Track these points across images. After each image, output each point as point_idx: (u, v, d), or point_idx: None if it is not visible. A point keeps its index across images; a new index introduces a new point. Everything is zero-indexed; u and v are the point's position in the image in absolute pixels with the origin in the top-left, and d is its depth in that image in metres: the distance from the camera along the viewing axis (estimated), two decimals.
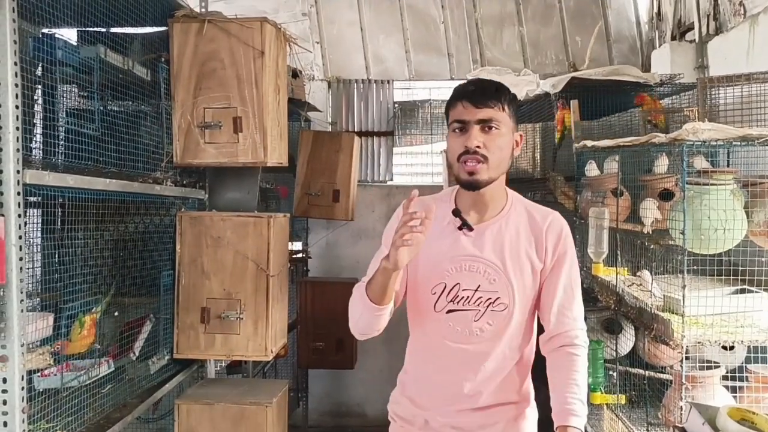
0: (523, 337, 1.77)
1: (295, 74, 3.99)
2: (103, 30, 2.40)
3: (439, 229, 1.73)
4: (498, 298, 1.71)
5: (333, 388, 5.34)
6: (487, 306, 1.71)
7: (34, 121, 2.18)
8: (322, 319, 4.46)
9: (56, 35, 2.14)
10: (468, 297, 1.71)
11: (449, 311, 1.72)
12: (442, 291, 1.72)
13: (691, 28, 4.22)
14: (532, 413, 1.84)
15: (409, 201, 1.52)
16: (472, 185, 1.67)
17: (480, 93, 1.67)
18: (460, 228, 1.73)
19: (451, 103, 1.72)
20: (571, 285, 1.76)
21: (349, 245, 5.30)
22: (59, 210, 2.26)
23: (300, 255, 4.97)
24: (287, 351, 4.17)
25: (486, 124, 1.65)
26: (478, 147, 1.64)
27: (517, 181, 4.33)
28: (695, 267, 2.08)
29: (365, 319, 1.68)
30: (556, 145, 3.51)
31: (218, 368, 3.35)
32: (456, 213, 1.73)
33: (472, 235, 1.72)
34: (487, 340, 1.72)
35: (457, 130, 1.68)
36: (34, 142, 2.18)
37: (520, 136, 1.76)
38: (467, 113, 1.66)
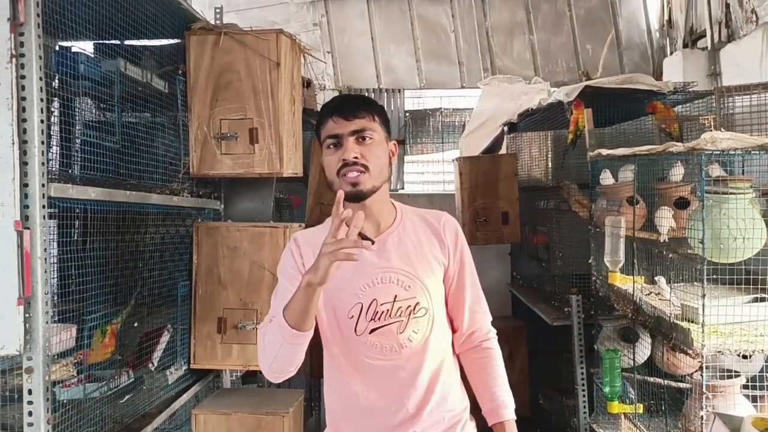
0: (446, 339, 1.75)
1: (307, 84, 4.01)
2: (123, 43, 2.42)
3: None
4: (417, 303, 1.66)
5: None
6: (409, 314, 1.65)
7: (51, 134, 2.20)
8: None
9: (78, 50, 2.17)
10: (387, 310, 1.64)
11: (372, 330, 1.64)
12: (360, 312, 1.64)
13: (702, 35, 4.23)
14: (472, 419, 1.79)
15: (339, 202, 1.43)
16: (357, 196, 1.61)
17: (349, 105, 1.65)
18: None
19: (321, 122, 1.67)
20: (475, 281, 1.78)
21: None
22: (76, 222, 2.28)
23: None
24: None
25: (360, 135, 1.62)
26: (356, 158, 1.60)
27: (530, 189, 4.34)
28: (714, 276, 2.08)
29: (283, 353, 1.54)
30: (567, 145, 3.51)
31: (233, 378, 3.35)
32: None
33: (374, 249, 1.55)
34: (417, 349, 1.66)
35: (331, 146, 1.64)
36: (51, 154, 2.20)
37: (394, 145, 1.74)
38: (339, 127, 1.62)
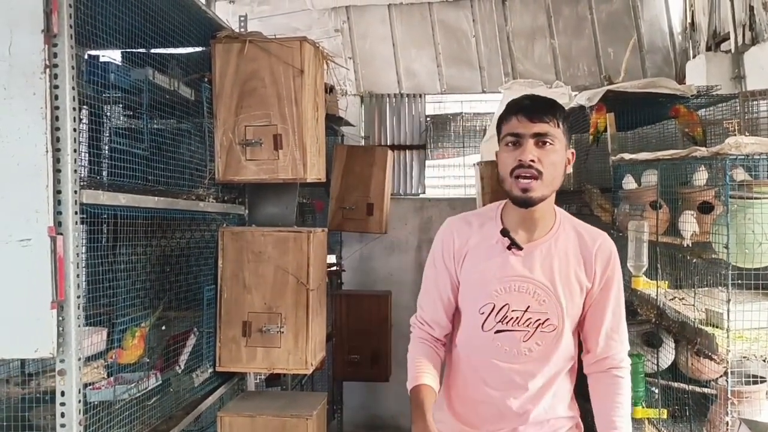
0: (570, 356, 1.77)
1: (329, 90, 4.05)
2: (151, 52, 2.47)
3: (487, 249, 1.73)
4: (548, 319, 1.69)
5: (368, 401, 5.35)
6: (537, 327, 1.69)
7: (83, 141, 2.25)
8: (357, 332, 4.50)
9: (109, 59, 2.22)
10: (517, 318, 1.69)
11: (498, 331, 1.70)
12: (491, 311, 1.70)
13: (726, 38, 4.19)
14: (580, 429, 1.85)
15: None
16: (526, 202, 1.64)
17: (536, 107, 1.65)
18: (509, 248, 1.70)
19: (504, 117, 1.69)
20: (619, 309, 1.76)
21: (382, 258, 5.33)
22: (105, 227, 2.33)
23: (334, 268, 5.01)
24: (324, 363, 4.21)
25: (541, 139, 1.62)
26: (532, 161, 1.61)
27: None
28: (739, 281, 2.07)
29: None
30: (588, 145, 3.50)
31: (258, 381, 3.39)
32: (504, 233, 1.71)
33: (521, 255, 1.69)
34: (536, 359, 1.71)
35: (510, 144, 1.65)
36: (84, 162, 2.25)
37: (572, 153, 1.73)
38: (522, 127, 1.63)
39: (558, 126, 1.65)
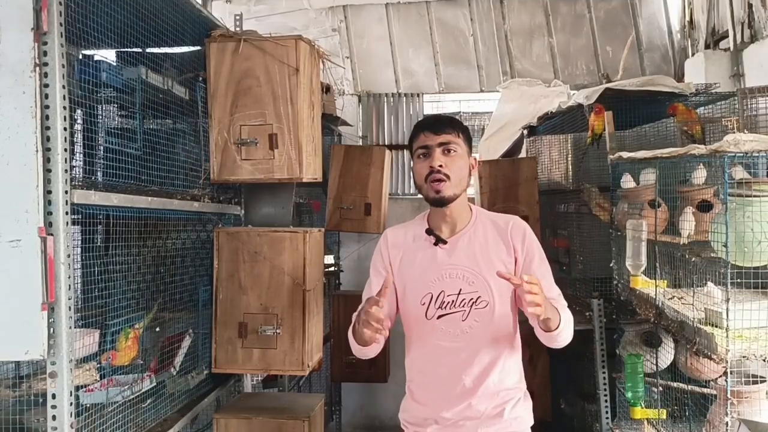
0: (508, 329, 1.98)
1: (326, 89, 4.03)
2: (144, 51, 2.45)
3: (418, 248, 2.01)
4: (479, 296, 1.93)
5: (366, 402, 5.33)
6: (471, 305, 1.93)
7: (75, 141, 2.23)
8: None
9: (101, 58, 2.20)
10: (453, 301, 1.94)
11: (440, 316, 1.95)
12: (430, 300, 1.95)
13: (725, 36, 4.17)
14: (528, 398, 2.06)
15: (385, 288, 1.75)
16: (440, 202, 1.93)
17: (438, 123, 1.96)
18: (435, 243, 1.97)
19: (414, 136, 1.99)
20: (547, 273, 2.00)
21: None
22: (100, 227, 2.31)
23: (332, 268, 4.99)
24: (321, 364, 4.19)
25: (446, 147, 1.92)
26: (441, 166, 1.90)
27: (550, 192, 4.32)
28: (738, 279, 2.05)
29: (358, 351, 1.99)
30: (586, 146, 3.48)
31: (254, 382, 3.37)
32: (429, 231, 1.99)
33: (447, 248, 1.97)
34: (477, 335, 1.93)
35: (421, 156, 1.96)
36: (75, 161, 2.23)
37: (475, 159, 2.03)
38: (429, 139, 1.93)
39: (458, 136, 1.95)
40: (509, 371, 1.99)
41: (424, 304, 1.95)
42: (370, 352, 1.97)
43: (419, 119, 2.11)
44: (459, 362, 1.95)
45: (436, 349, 1.97)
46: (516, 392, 2.01)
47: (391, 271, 2.01)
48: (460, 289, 1.94)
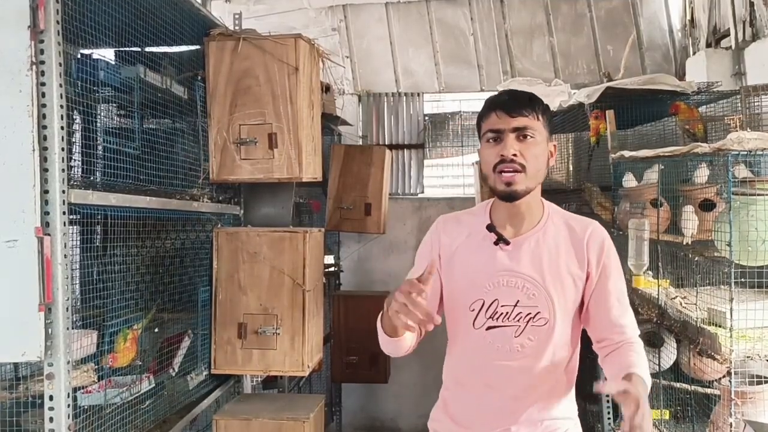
0: (566, 352, 1.71)
1: (326, 89, 4.01)
2: (142, 50, 2.43)
3: (475, 245, 1.71)
4: (538, 312, 1.65)
5: (367, 402, 5.31)
6: (527, 321, 1.65)
7: (73, 140, 2.22)
8: (355, 333, 4.46)
9: (98, 56, 2.18)
10: (507, 313, 1.66)
11: (489, 328, 1.67)
12: (481, 307, 1.68)
13: (726, 34, 4.15)
14: (578, 429, 1.79)
15: (428, 274, 1.44)
16: (510, 196, 1.63)
17: (514, 102, 1.64)
18: (496, 243, 1.68)
19: (483, 114, 1.68)
20: (623, 297, 1.71)
21: (380, 258, 5.29)
22: (99, 228, 2.30)
23: (332, 268, 4.97)
24: (321, 365, 4.17)
25: (521, 133, 1.62)
26: (514, 155, 1.60)
27: (551, 192, 4.28)
28: (742, 279, 2.03)
29: (387, 344, 1.66)
30: (591, 147, 3.46)
31: (254, 383, 3.36)
32: (490, 228, 1.69)
33: (509, 249, 1.67)
34: (529, 355, 1.67)
35: (491, 140, 1.64)
36: (73, 161, 2.22)
37: (554, 146, 1.72)
38: (502, 122, 1.62)
39: (538, 119, 1.64)
40: (559, 399, 1.72)
41: (473, 310, 1.68)
42: (402, 345, 1.65)
43: (492, 96, 1.71)
44: (504, 381, 1.68)
45: (480, 364, 1.70)
46: (564, 423, 1.74)
47: (439, 267, 1.73)
48: (518, 301, 1.65)
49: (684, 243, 2.43)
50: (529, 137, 1.62)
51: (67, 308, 1.75)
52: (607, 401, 3.12)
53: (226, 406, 2.89)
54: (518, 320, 1.66)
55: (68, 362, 1.75)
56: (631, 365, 1.58)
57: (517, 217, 1.69)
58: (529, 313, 1.65)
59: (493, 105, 1.66)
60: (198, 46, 2.78)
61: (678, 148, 2.32)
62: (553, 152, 1.72)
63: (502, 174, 1.61)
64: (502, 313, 1.66)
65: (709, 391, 2.51)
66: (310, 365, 2.77)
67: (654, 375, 2.70)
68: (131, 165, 2.23)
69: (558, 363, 1.70)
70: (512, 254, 1.67)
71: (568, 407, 1.75)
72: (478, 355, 1.70)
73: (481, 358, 1.69)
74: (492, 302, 1.67)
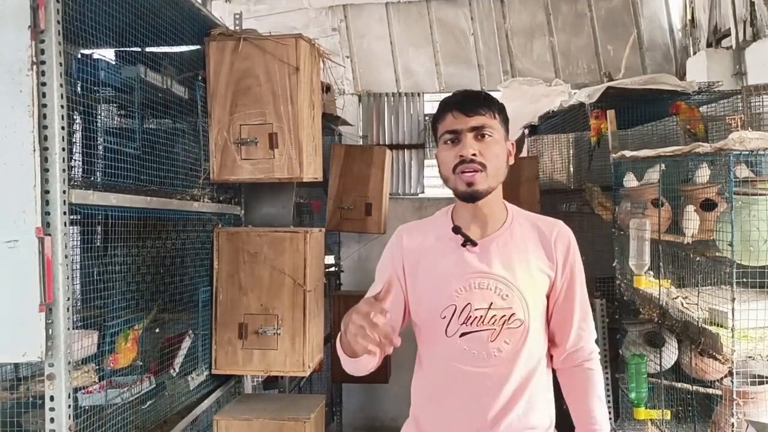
0: (540, 353, 1.68)
1: (326, 89, 4.01)
2: (143, 50, 2.43)
3: (441, 250, 1.65)
4: (513, 314, 1.60)
5: (367, 403, 5.31)
6: (503, 324, 1.60)
7: (74, 141, 2.21)
8: None
9: (99, 56, 2.18)
10: (481, 317, 1.60)
11: (462, 334, 1.61)
12: (453, 313, 1.61)
13: (727, 34, 4.15)
14: None
15: (386, 293, 1.36)
16: (472, 196, 1.60)
17: (470, 101, 1.61)
18: (463, 245, 1.62)
19: (439, 116, 1.65)
20: (584, 298, 1.71)
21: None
22: (100, 228, 2.29)
23: (333, 269, 4.97)
24: (322, 366, 4.16)
25: (479, 132, 1.59)
26: (474, 155, 1.57)
27: (552, 192, 4.29)
28: (743, 279, 2.03)
29: (347, 364, 1.57)
30: (592, 147, 3.46)
31: (255, 383, 3.35)
32: (456, 230, 1.63)
33: (477, 251, 1.62)
34: (506, 360, 1.61)
35: (449, 142, 1.61)
36: (74, 161, 2.22)
37: (512, 144, 1.68)
38: (459, 122, 1.59)
39: (494, 117, 1.62)
40: (538, 405, 1.66)
41: (444, 318, 1.61)
42: (364, 365, 1.55)
43: (446, 97, 1.67)
44: (482, 391, 1.61)
45: (455, 374, 1.62)
46: (547, 431, 1.70)
47: (402, 279, 1.67)
48: (491, 303, 1.60)
49: (685, 243, 2.43)
50: (487, 136, 1.59)
51: (68, 308, 1.75)
52: (608, 401, 3.12)
53: (226, 406, 2.89)
54: (493, 323, 1.60)
55: (69, 362, 1.75)
56: (595, 419, 1.68)
57: (481, 218, 1.65)
58: (504, 315, 1.60)
59: (448, 106, 1.63)
60: (198, 46, 2.77)
61: (679, 148, 2.31)
62: (512, 151, 1.68)
63: (463, 174, 1.58)
64: (475, 317, 1.60)
65: (710, 391, 2.51)
66: (310, 365, 2.77)
67: (655, 375, 2.70)
68: (132, 165, 2.23)
69: (534, 366, 1.66)
70: (481, 256, 1.63)
71: (546, 414, 1.70)
72: (453, 364, 1.62)
73: (455, 368, 1.62)
74: (464, 307, 1.60)
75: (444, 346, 1.62)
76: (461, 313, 1.60)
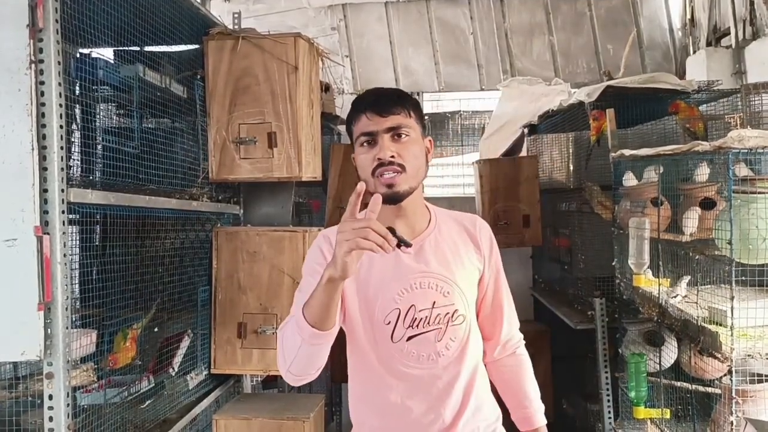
0: (479, 346, 1.68)
1: (326, 88, 4.00)
2: (142, 49, 2.43)
3: (374, 254, 1.52)
4: (456, 310, 1.59)
5: None
6: (447, 322, 1.58)
7: (73, 140, 2.21)
8: None
9: (97, 55, 2.17)
10: (426, 317, 1.57)
11: (410, 338, 1.56)
12: (397, 318, 1.56)
13: (726, 33, 4.16)
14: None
15: (358, 195, 1.34)
16: (393, 198, 1.54)
17: (383, 100, 1.56)
18: (398, 246, 1.49)
19: (353, 117, 1.59)
20: (508, 288, 1.75)
21: None
22: (98, 227, 2.29)
23: None
24: None
25: (395, 132, 1.54)
26: (392, 157, 1.52)
27: (551, 191, 4.29)
28: (743, 277, 2.03)
29: (303, 354, 1.44)
30: (590, 146, 3.47)
31: (254, 383, 3.35)
32: (392, 231, 1.46)
33: (411, 252, 1.59)
34: (454, 358, 1.59)
35: (365, 144, 1.55)
36: (72, 160, 2.21)
37: (430, 141, 1.64)
38: (374, 124, 1.54)
39: (410, 116, 1.57)
40: (485, 397, 1.67)
41: (389, 323, 1.56)
42: (326, 346, 1.44)
43: (358, 97, 1.62)
44: (435, 392, 1.58)
45: (405, 379, 1.57)
46: (496, 423, 1.69)
47: None
48: (434, 302, 1.57)
49: (684, 241, 2.42)
50: (404, 136, 1.55)
51: (67, 307, 1.75)
52: (608, 400, 3.12)
53: (225, 405, 2.89)
54: (438, 322, 1.58)
55: (68, 361, 1.75)
56: (530, 401, 1.74)
57: (405, 219, 1.61)
58: (447, 313, 1.59)
59: (361, 106, 1.57)
60: (197, 45, 2.77)
61: (679, 147, 2.31)
62: (430, 148, 1.64)
63: (383, 176, 1.52)
64: (420, 319, 1.57)
65: (710, 389, 2.50)
66: None
67: (655, 374, 2.70)
68: (130, 164, 2.22)
69: (478, 360, 1.67)
70: (417, 256, 1.60)
71: (494, 405, 1.71)
72: (399, 370, 1.58)
73: (403, 374, 1.58)
74: (408, 309, 1.57)
75: (391, 352, 1.58)
76: (405, 316, 1.57)
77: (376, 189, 1.54)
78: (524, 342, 1.81)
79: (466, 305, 1.61)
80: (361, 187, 1.35)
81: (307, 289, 1.45)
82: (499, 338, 1.74)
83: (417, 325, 1.57)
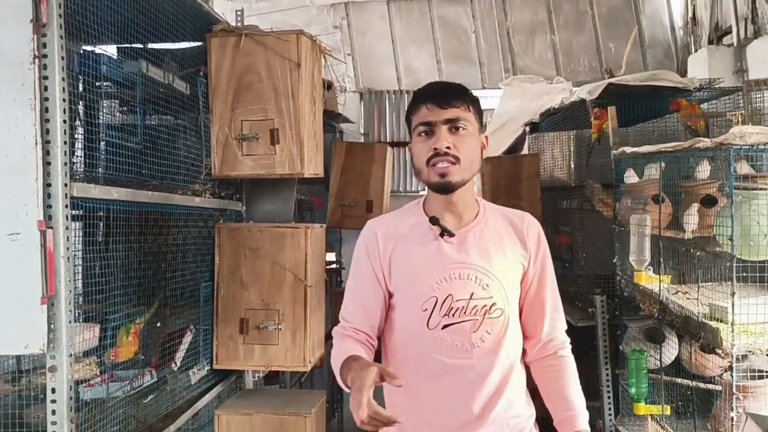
0: (520, 342, 1.70)
1: (328, 86, 4.01)
2: (145, 45, 2.44)
3: (417, 242, 1.64)
4: (494, 303, 1.61)
5: None
6: (484, 314, 1.60)
7: (77, 135, 2.22)
8: None
9: (101, 51, 2.18)
10: (463, 308, 1.59)
11: (445, 326, 1.59)
12: (434, 306, 1.60)
13: (728, 32, 4.16)
14: (535, 429, 1.75)
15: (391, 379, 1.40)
16: (445, 187, 1.59)
17: (445, 93, 1.61)
18: (441, 235, 1.62)
19: (413, 107, 1.64)
20: (555, 287, 1.73)
21: None
22: (101, 222, 2.30)
23: (334, 266, 4.98)
24: (323, 361, 4.17)
25: (453, 125, 1.58)
26: (448, 148, 1.56)
27: (552, 189, 4.30)
28: (744, 274, 2.03)
29: (343, 385, 1.56)
30: (591, 143, 3.47)
31: (256, 379, 3.36)
32: (434, 221, 1.63)
33: (454, 242, 1.62)
34: (489, 351, 1.61)
35: (423, 134, 1.60)
36: (76, 156, 2.22)
37: (486, 138, 1.68)
38: (433, 115, 1.58)
39: (469, 110, 1.61)
40: (519, 395, 1.67)
41: (426, 310, 1.59)
42: None
43: (420, 88, 1.68)
44: (466, 384, 1.60)
45: (438, 368, 1.60)
46: (528, 421, 1.69)
47: (381, 272, 1.65)
48: (472, 294, 1.59)
49: (686, 238, 2.43)
50: (461, 129, 1.59)
51: (70, 301, 1.76)
52: (609, 397, 3.12)
53: (227, 401, 2.90)
54: (475, 314, 1.60)
55: (70, 355, 1.76)
56: (573, 405, 1.66)
57: (454, 210, 1.64)
58: (485, 305, 1.60)
59: (423, 97, 1.62)
60: (200, 42, 2.78)
61: (680, 144, 2.32)
62: (486, 144, 1.67)
63: (437, 166, 1.57)
64: (457, 309, 1.60)
65: (710, 386, 2.51)
66: (311, 361, 2.77)
67: (655, 371, 2.70)
68: (133, 160, 2.23)
69: (515, 356, 1.67)
70: (459, 246, 1.63)
71: (528, 403, 1.71)
72: (434, 357, 1.61)
73: (437, 361, 1.61)
74: (446, 298, 1.60)
75: (424, 339, 1.61)
76: (443, 304, 1.60)
77: (429, 178, 1.60)
78: (570, 345, 1.75)
79: (506, 300, 1.62)
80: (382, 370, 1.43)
81: (355, 288, 1.70)
82: (540, 337, 1.71)
83: (453, 315, 1.59)
